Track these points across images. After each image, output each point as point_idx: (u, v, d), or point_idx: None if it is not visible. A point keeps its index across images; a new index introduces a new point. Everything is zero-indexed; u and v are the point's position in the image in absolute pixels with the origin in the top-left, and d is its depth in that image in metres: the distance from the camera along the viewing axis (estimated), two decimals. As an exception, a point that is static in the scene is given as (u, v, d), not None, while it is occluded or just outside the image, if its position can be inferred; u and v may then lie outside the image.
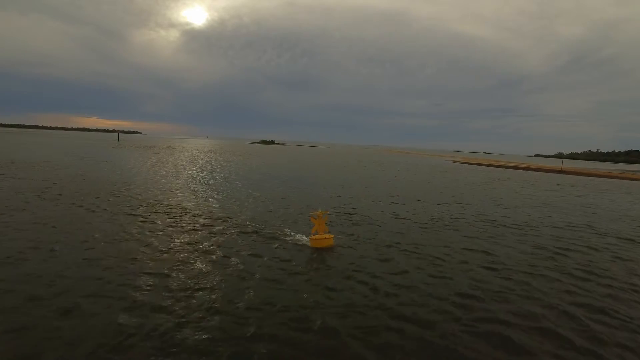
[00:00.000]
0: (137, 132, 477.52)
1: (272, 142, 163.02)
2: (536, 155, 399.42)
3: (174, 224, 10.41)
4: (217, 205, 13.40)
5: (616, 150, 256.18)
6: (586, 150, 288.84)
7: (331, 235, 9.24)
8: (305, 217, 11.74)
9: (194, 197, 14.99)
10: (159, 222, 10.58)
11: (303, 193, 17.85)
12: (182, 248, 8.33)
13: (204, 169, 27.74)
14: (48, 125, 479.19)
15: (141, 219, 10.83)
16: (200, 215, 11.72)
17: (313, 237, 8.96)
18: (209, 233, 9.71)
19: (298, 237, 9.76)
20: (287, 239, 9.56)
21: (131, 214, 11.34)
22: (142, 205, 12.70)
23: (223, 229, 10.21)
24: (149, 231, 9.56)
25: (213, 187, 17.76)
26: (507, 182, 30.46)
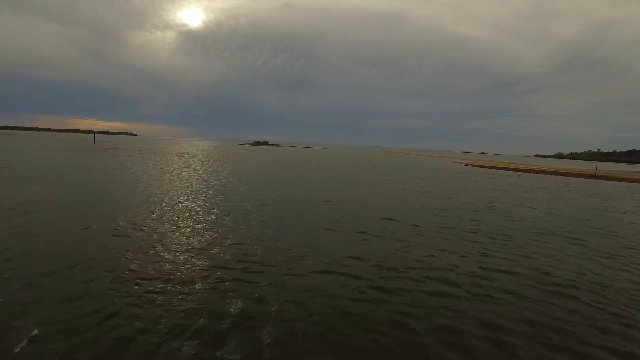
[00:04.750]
0: (131, 134, 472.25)
1: (265, 143, 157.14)
2: (536, 156, 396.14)
3: None
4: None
5: (617, 150, 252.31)
6: (587, 150, 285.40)
7: None
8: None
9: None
10: None
11: (229, 224, 11.61)
12: None
13: (143, 179, 21.45)
14: (40, 127, 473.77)
15: None
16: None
17: None
18: None
19: None
20: None
21: None
22: None
23: None
24: None
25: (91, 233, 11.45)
26: (533, 194, 24.19)
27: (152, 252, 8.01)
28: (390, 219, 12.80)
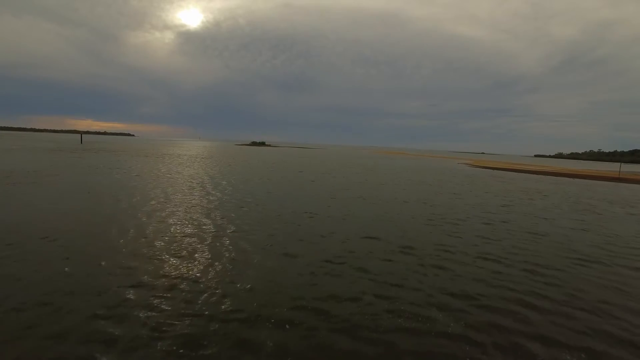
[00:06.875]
0: (129, 135, 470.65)
1: (262, 144, 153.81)
2: (536, 156, 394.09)
3: None
4: None
5: (618, 150, 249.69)
6: (588, 150, 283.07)
7: None
8: None
9: None
10: None
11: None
12: None
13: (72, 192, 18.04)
14: (38, 128, 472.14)
15: None
16: None
17: None
18: None
19: None
20: None
21: None
22: None
23: None
24: None
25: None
26: (555, 201, 20.78)
27: None
28: (373, 238, 9.46)
